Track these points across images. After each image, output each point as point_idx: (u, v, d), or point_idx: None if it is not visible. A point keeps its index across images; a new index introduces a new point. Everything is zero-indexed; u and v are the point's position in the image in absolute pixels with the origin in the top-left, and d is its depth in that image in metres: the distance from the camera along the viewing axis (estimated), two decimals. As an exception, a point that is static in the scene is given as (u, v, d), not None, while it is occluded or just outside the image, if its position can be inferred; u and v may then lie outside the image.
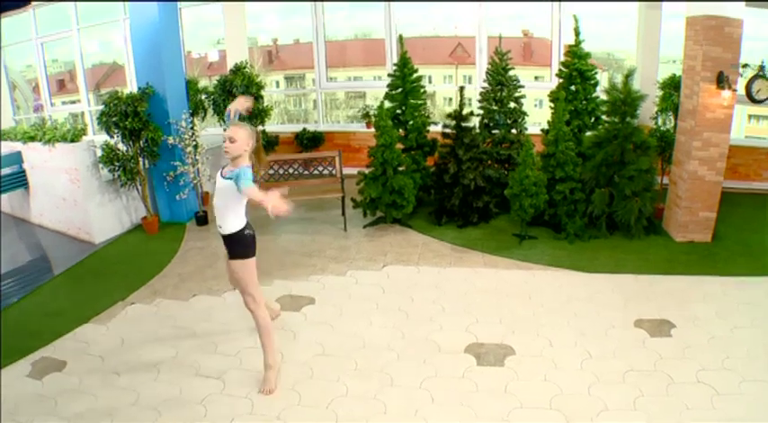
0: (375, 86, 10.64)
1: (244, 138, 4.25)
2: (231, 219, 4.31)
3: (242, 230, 4.35)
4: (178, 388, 4.51)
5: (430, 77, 8.36)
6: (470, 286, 5.60)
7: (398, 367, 4.43)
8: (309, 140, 9.83)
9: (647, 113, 7.88)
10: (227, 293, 5.95)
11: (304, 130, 10.02)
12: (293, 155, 8.79)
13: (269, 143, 9.40)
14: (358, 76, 11.67)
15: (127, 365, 4.95)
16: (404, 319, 5.08)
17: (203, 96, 9.35)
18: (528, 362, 4.43)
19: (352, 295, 5.60)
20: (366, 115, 9.79)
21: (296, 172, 8.04)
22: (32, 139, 8.45)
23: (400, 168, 7.15)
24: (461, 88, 7.34)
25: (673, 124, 7.39)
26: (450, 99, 11.12)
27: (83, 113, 12.24)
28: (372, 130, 9.60)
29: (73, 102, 12.40)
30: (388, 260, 6.35)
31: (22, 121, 11.65)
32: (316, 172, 7.76)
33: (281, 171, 7.83)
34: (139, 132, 7.63)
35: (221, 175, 4.35)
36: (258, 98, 9.12)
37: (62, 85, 12.88)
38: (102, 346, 5.32)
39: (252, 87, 8.93)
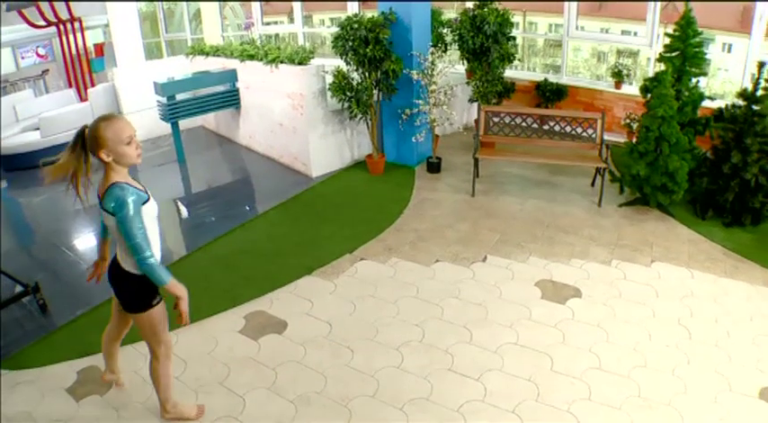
0: (627, 42, 9.25)
1: (101, 136, 2.71)
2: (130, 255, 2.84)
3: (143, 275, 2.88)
4: (428, 385, 3.72)
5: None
6: (755, 309, 4.49)
7: (687, 402, 3.59)
8: (553, 93, 8.75)
9: None
10: (477, 265, 5.13)
11: (545, 80, 8.97)
12: (551, 111, 7.97)
13: (506, 89, 8.50)
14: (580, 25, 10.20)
15: (360, 341, 4.08)
16: (686, 338, 4.16)
17: (445, 30, 8.50)
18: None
19: (622, 293, 4.69)
20: (617, 74, 8.47)
21: (529, 126, 7.11)
22: (252, 57, 7.75)
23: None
24: (761, 64, 5.92)
25: None
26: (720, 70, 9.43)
27: (276, 35, 11.66)
28: (622, 91, 8.45)
29: (267, 23, 12.10)
30: (656, 254, 5.27)
31: (229, 38, 11.23)
32: (566, 131, 6.77)
33: (507, 120, 6.91)
34: (379, 62, 6.76)
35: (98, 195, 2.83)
36: (510, 39, 7.94)
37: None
38: (329, 310, 4.44)
39: (505, 26, 7.59)
